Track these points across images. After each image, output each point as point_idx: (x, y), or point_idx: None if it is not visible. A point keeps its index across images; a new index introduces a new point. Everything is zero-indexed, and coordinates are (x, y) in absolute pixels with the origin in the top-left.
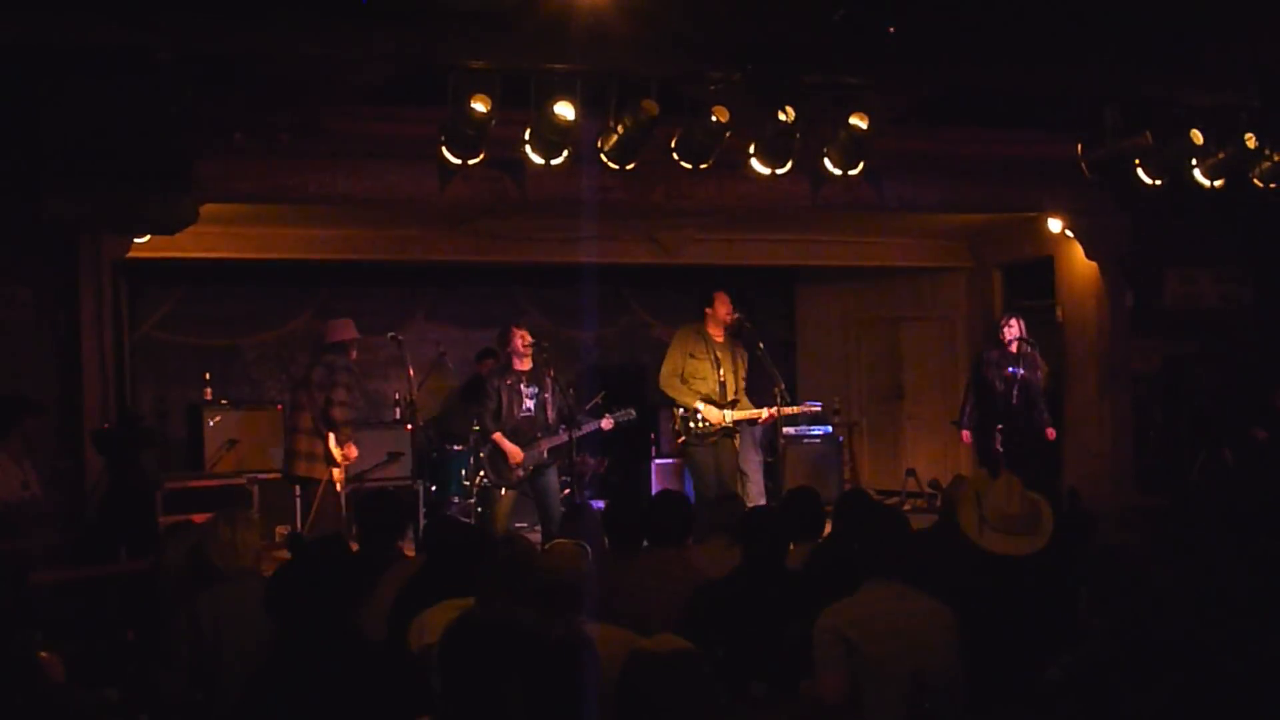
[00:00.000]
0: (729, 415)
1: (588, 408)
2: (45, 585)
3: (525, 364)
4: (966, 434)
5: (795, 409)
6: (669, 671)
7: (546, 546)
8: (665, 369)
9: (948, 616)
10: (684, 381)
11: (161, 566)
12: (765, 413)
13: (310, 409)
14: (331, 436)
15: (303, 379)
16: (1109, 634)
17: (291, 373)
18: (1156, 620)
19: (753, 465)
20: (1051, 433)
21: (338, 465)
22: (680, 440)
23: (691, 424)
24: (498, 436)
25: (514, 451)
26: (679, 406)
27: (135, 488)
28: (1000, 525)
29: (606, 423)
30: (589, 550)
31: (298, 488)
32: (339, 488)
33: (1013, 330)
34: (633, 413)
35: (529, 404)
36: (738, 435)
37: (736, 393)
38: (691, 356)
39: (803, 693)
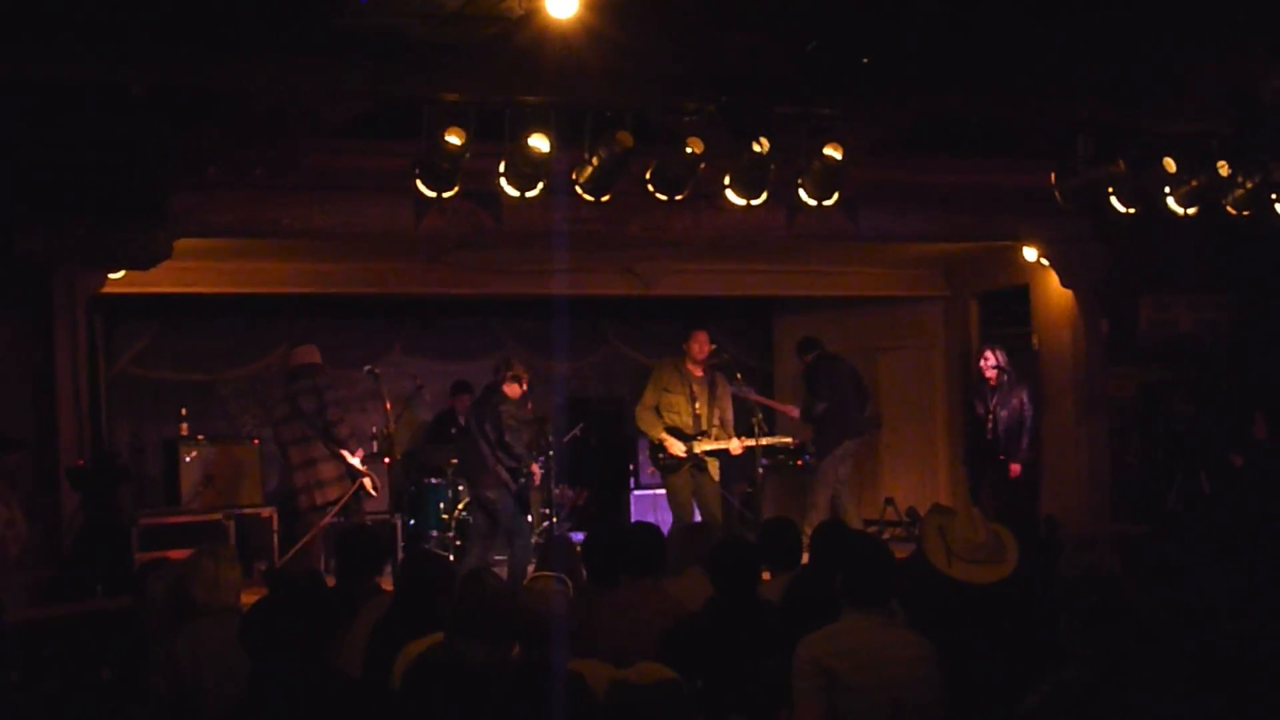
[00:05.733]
0: (694, 446)
1: (566, 440)
2: (21, 624)
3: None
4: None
5: (768, 440)
6: (652, 700)
7: (527, 582)
8: (639, 403)
9: (926, 647)
10: (658, 414)
11: (141, 603)
12: (734, 444)
13: (318, 436)
14: (345, 453)
15: (291, 414)
16: (1088, 660)
17: (274, 413)
18: (1135, 646)
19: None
20: (1015, 469)
21: (364, 475)
22: (651, 471)
23: (659, 455)
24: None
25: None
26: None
27: (111, 524)
28: (966, 554)
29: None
30: (569, 584)
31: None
32: (374, 492)
33: (988, 361)
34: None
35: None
36: (714, 462)
37: (711, 425)
38: (666, 390)
39: None
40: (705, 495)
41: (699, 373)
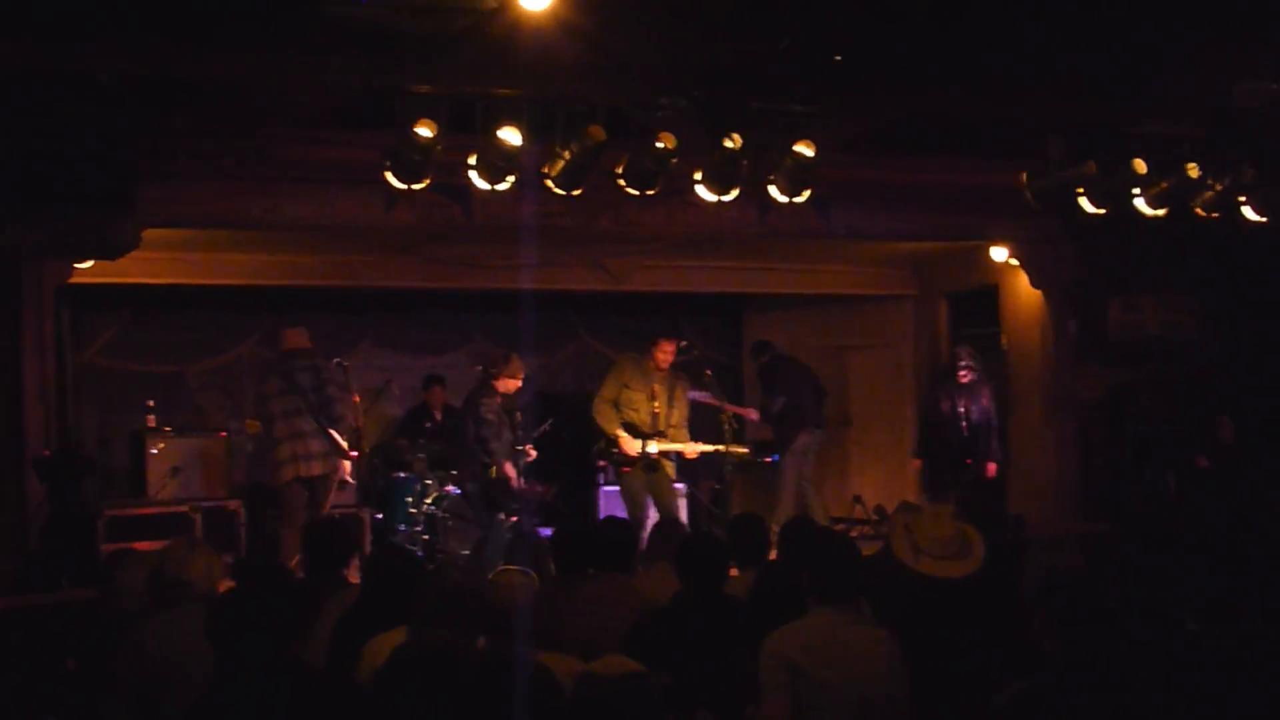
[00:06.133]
0: (651, 445)
1: (536, 435)
2: None
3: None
4: (916, 462)
5: (723, 448)
6: (619, 692)
7: (492, 575)
8: (598, 395)
9: (893, 642)
10: (616, 409)
11: (108, 593)
12: (689, 448)
13: (309, 411)
14: (334, 433)
15: (285, 389)
16: (1062, 657)
17: (262, 388)
18: (1108, 644)
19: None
20: (992, 468)
21: (349, 456)
22: (601, 464)
23: (613, 450)
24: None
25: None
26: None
27: (76, 515)
28: (933, 550)
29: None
30: (535, 578)
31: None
32: (350, 479)
33: (962, 361)
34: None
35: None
36: (669, 463)
37: (669, 425)
38: (626, 386)
39: (748, 719)
40: (660, 492)
41: (662, 371)
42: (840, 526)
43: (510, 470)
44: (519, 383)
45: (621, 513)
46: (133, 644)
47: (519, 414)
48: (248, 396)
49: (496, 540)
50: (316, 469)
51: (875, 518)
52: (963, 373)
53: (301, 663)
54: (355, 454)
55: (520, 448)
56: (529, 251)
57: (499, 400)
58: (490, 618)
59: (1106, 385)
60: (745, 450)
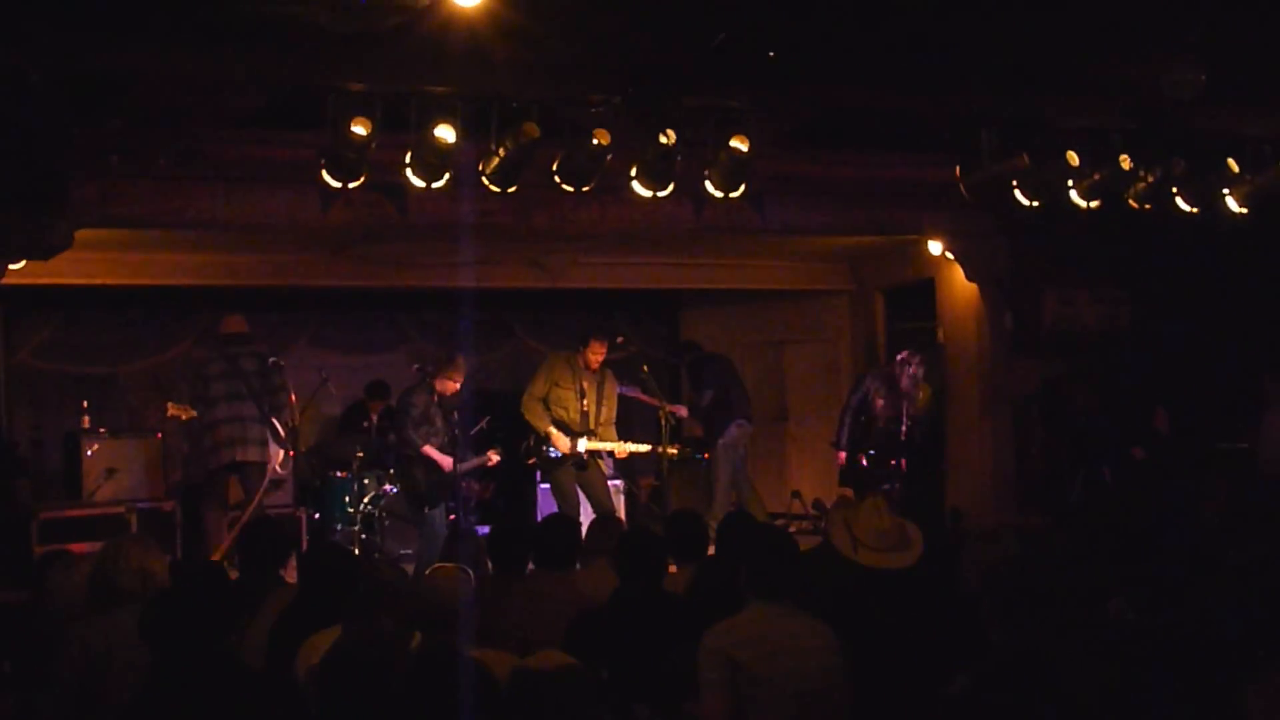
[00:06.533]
0: (581, 444)
1: (473, 432)
2: None
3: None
4: (843, 455)
5: (650, 447)
6: (554, 687)
7: (428, 571)
8: (528, 392)
9: (831, 636)
10: (546, 407)
11: (43, 595)
12: (619, 447)
13: (251, 397)
14: (276, 421)
15: (227, 372)
16: (1008, 646)
17: (203, 370)
18: (1052, 631)
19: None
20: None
21: (285, 448)
22: (531, 461)
23: (544, 448)
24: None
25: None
26: (532, 431)
27: (9, 517)
28: (873, 543)
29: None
30: (471, 575)
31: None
32: (281, 470)
33: (910, 370)
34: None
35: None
36: (601, 461)
37: (598, 424)
38: (556, 385)
39: (686, 714)
40: (593, 488)
41: (592, 370)
42: (779, 522)
43: (433, 452)
44: (458, 384)
45: (557, 509)
46: (76, 642)
47: (455, 413)
48: (183, 396)
49: (430, 537)
50: (253, 455)
51: (813, 512)
52: (905, 382)
53: (238, 661)
54: (292, 453)
55: (458, 444)
56: (465, 250)
57: (435, 399)
58: (426, 614)
59: (1042, 378)
60: (675, 450)
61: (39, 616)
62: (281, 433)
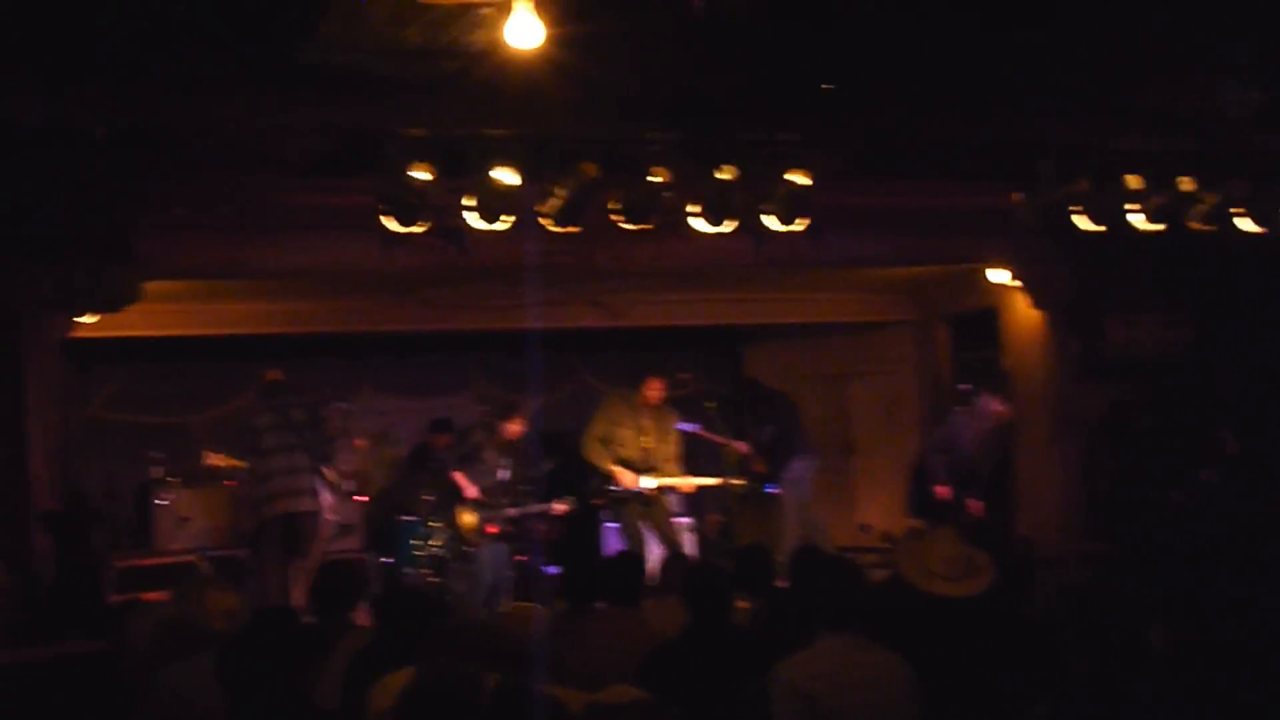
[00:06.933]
0: (644, 481)
1: (540, 474)
2: None
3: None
4: (946, 490)
5: (720, 481)
6: None
7: (501, 610)
8: (587, 432)
9: (904, 668)
10: (605, 446)
11: (120, 644)
12: (685, 482)
13: (302, 446)
14: (326, 470)
15: (278, 424)
16: (1084, 676)
17: (254, 421)
18: (1131, 659)
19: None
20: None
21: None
22: (598, 501)
23: (608, 486)
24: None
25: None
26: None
27: (84, 568)
28: (944, 572)
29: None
30: (542, 612)
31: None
32: (332, 516)
33: (995, 407)
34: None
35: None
36: (666, 497)
37: (660, 460)
38: (615, 424)
39: None
40: (660, 525)
41: (651, 407)
42: (848, 554)
43: (461, 479)
44: (521, 429)
45: (623, 547)
46: (150, 692)
47: (514, 459)
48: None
49: (471, 575)
50: (306, 505)
51: (883, 544)
52: (987, 418)
53: (312, 703)
54: (364, 498)
55: (517, 489)
56: (527, 290)
57: (491, 439)
58: (500, 652)
59: (1108, 403)
60: (742, 482)
61: (117, 666)
62: (332, 480)
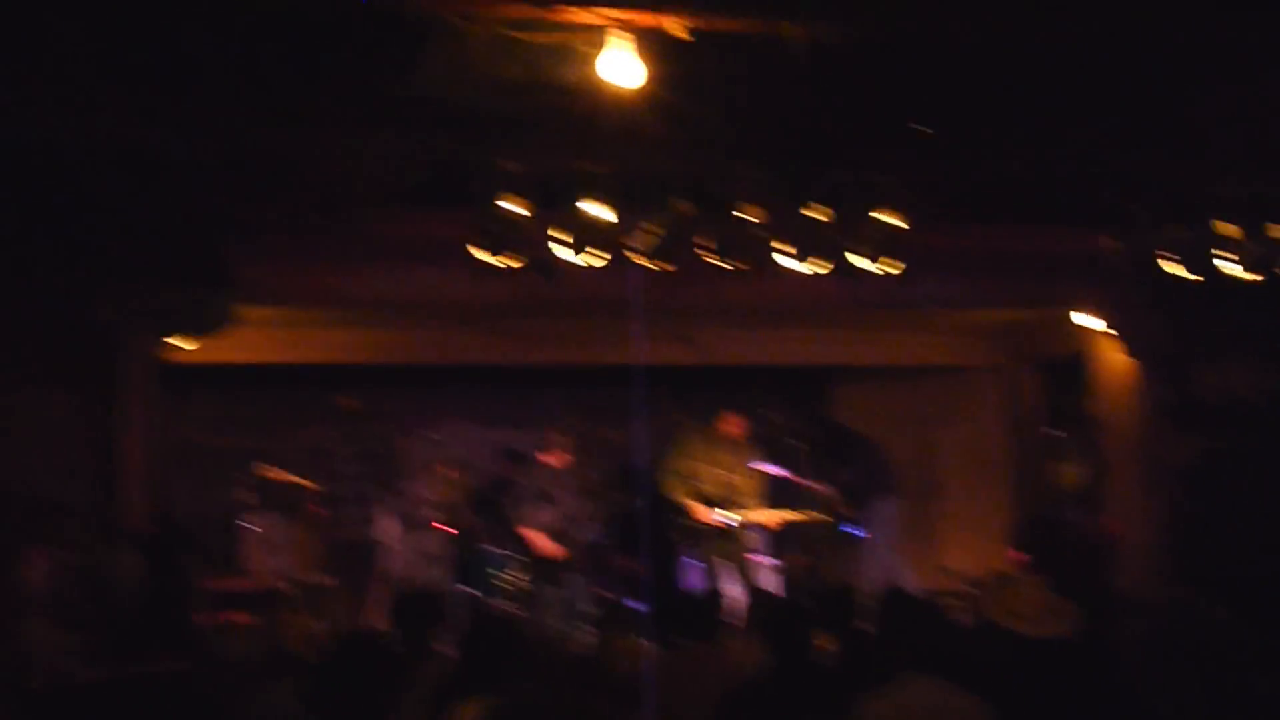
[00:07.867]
0: (719, 514)
1: (624, 511)
2: (85, 685)
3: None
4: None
5: (804, 516)
6: None
7: (603, 643)
8: (668, 465)
9: (987, 710)
10: (683, 480)
11: (213, 663)
12: (767, 517)
13: (379, 477)
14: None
15: (355, 453)
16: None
17: (330, 452)
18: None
19: None
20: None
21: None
22: (677, 536)
23: (685, 520)
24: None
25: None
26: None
27: (174, 590)
28: (1028, 614)
29: None
30: (649, 648)
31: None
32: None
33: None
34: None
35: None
36: (745, 533)
37: (741, 496)
38: (693, 459)
39: None
40: (738, 560)
41: (729, 443)
42: (931, 596)
43: (528, 533)
44: (562, 459)
45: (707, 583)
46: (233, 713)
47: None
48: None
49: (557, 606)
50: (380, 533)
51: (967, 589)
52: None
53: None
54: (449, 529)
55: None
56: (616, 325)
57: (543, 472)
58: (607, 685)
59: (1200, 450)
60: (824, 518)
61: (204, 685)
62: (406, 509)
